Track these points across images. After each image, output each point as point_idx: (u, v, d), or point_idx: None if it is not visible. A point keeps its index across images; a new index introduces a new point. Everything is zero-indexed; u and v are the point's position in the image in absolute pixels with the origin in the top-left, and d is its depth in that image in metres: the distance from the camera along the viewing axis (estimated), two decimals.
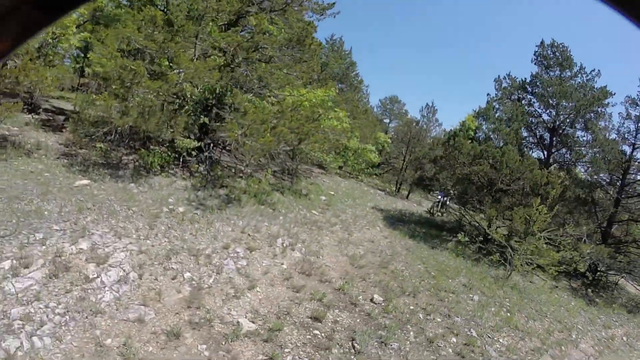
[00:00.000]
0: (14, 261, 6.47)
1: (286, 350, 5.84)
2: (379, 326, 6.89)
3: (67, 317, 6.01)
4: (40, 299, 6.04)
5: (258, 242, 9.13)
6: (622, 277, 14.90)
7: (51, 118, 14.63)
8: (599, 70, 18.60)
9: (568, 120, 18.82)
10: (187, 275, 7.44)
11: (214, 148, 14.30)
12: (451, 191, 20.15)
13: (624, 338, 10.88)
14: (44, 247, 7.07)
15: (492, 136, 17.24)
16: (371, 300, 7.80)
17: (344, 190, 19.95)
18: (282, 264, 8.50)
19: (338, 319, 6.85)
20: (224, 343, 5.80)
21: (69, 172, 10.37)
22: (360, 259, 10.08)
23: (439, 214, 21.34)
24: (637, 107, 16.28)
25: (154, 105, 10.68)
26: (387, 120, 39.51)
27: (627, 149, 16.36)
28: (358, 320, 6.94)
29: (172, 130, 11.97)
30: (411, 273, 10.22)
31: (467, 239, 14.93)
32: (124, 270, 7.27)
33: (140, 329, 6.09)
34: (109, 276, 6.97)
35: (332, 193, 18.06)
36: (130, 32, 10.94)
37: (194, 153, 13.14)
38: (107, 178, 10.81)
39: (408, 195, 25.41)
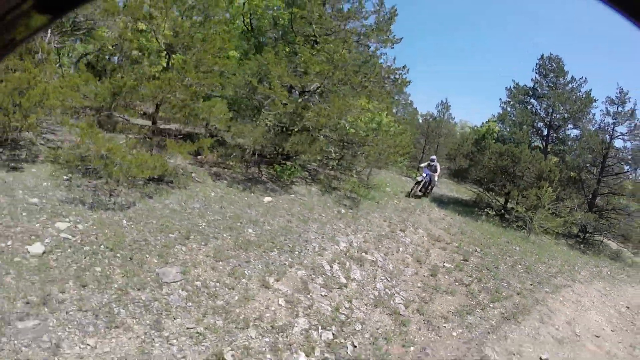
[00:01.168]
0: (335, 265, 9.81)
1: (471, 271, 12.53)
2: (489, 261, 13.81)
3: (395, 280, 10.63)
4: (376, 277, 10.25)
5: (400, 225, 15.42)
6: (605, 236, 22.50)
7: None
8: (585, 78, 26.00)
9: (561, 119, 26.23)
10: (401, 249, 12.58)
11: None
12: (438, 167, 22.66)
13: (608, 272, 18.20)
14: (326, 251, 10.30)
15: (508, 138, 24.41)
16: (475, 251, 14.70)
17: (388, 180, 26.53)
18: (424, 236, 15.01)
19: (472, 260, 13.62)
20: (451, 274, 12.20)
21: (239, 192, 12.61)
22: (449, 229, 16.92)
23: (421, 194, 22.51)
24: (614, 106, 23.68)
25: (316, 134, 16.03)
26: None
27: (607, 138, 23.78)
28: (478, 259, 13.80)
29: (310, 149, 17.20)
30: (478, 236, 17.14)
31: (494, 212, 22.07)
32: (376, 253, 11.44)
33: (420, 277, 11.21)
34: (377, 257, 11.12)
35: (387, 183, 24.65)
36: (280, 71, 13.92)
37: (315, 165, 19.24)
38: (270, 192, 13.44)
39: None
